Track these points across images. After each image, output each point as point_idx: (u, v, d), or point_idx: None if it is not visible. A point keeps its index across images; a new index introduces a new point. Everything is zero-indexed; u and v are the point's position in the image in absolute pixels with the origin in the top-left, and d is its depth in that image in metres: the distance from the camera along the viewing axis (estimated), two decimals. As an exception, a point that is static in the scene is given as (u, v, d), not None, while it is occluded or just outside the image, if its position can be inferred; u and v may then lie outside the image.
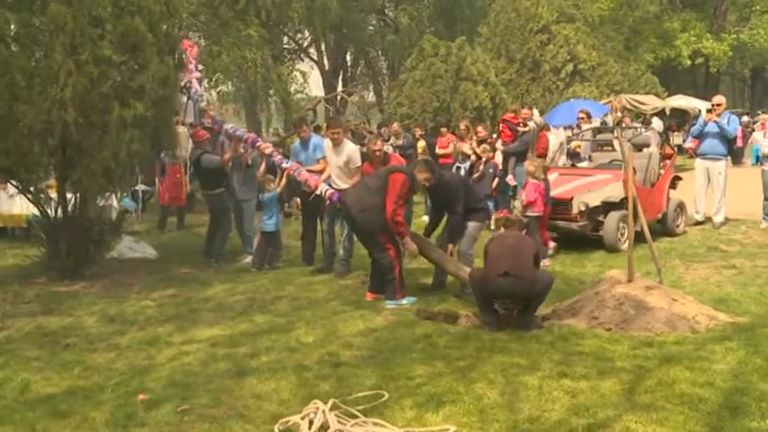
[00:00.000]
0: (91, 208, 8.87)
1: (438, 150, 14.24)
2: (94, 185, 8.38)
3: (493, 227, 11.13)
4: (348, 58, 28.14)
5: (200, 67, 9.92)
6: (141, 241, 10.67)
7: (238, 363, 5.42)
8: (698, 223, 11.36)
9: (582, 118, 13.17)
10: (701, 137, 11.40)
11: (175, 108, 9.24)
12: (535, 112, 13.31)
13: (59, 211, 8.77)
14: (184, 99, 9.69)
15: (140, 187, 14.16)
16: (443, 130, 14.99)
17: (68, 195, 8.78)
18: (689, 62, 31.08)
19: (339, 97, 22.57)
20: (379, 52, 26.68)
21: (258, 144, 9.55)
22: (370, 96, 30.48)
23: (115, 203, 10.68)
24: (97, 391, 4.87)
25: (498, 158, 12.26)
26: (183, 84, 9.46)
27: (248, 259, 9.60)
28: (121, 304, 7.38)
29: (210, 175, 9.67)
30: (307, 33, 26.35)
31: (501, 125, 13.15)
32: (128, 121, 8.00)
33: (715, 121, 11.06)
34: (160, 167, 13.39)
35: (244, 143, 9.55)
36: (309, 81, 21.92)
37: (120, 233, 9.70)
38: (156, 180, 14.13)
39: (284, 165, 9.28)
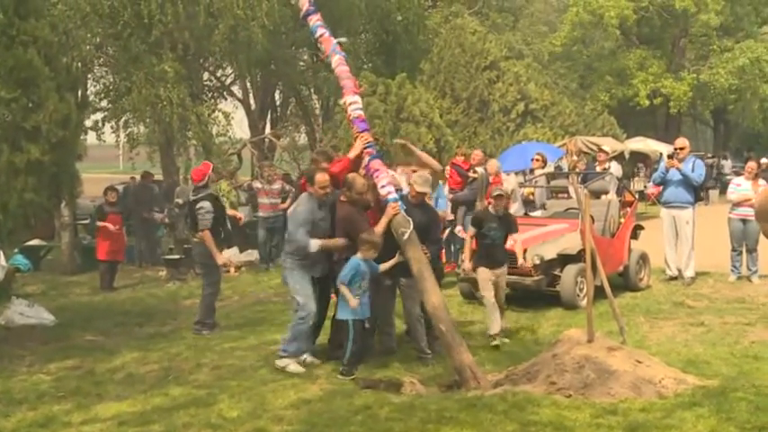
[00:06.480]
0: (-27, 267, 8.62)
1: None
2: (-23, 240, 8.17)
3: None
4: (277, 96, 28.20)
5: None
6: (36, 305, 10.33)
7: (149, 444, 5.27)
8: (671, 279, 11.45)
9: (537, 159, 13.45)
10: (664, 183, 11.65)
11: (78, 152, 9.09)
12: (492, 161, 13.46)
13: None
14: None
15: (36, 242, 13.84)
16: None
17: (-54, 252, 8.53)
18: (647, 102, 32.29)
19: (267, 140, 22.55)
20: (312, 90, 26.83)
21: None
22: (302, 139, 30.58)
23: (3, 261, 10.38)
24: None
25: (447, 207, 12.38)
26: None
27: None
28: (8, 380, 7.14)
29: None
30: (230, 69, 26.35)
31: (449, 170, 13.32)
32: (20, 167, 7.85)
33: (678, 169, 11.27)
34: (98, 215, 13.15)
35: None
36: (233, 122, 21.75)
37: (10, 296, 9.44)
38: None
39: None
